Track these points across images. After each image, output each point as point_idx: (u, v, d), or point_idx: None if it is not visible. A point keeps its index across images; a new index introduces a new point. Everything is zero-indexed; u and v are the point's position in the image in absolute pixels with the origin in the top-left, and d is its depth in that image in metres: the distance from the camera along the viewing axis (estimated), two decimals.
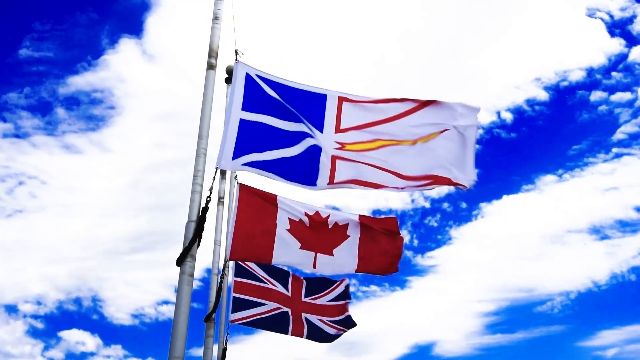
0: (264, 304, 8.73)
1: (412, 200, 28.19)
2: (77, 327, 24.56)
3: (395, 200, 27.65)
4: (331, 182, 5.07)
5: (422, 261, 28.67)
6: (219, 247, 7.29)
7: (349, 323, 8.98)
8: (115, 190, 30.87)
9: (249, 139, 4.98)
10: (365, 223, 6.74)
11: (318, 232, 6.81)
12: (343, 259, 6.70)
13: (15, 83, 29.70)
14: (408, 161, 5.13)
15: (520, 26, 33.19)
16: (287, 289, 8.97)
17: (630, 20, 29.28)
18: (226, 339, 8.40)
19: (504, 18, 33.07)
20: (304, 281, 9.11)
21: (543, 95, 30.34)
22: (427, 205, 29.11)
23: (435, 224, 29.35)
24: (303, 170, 5.09)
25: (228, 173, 8.50)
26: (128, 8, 31.85)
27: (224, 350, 8.28)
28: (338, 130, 5.27)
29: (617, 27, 29.99)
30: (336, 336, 8.96)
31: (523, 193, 31.01)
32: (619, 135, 28.83)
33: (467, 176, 5.03)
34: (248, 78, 5.22)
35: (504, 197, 31.19)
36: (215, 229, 7.44)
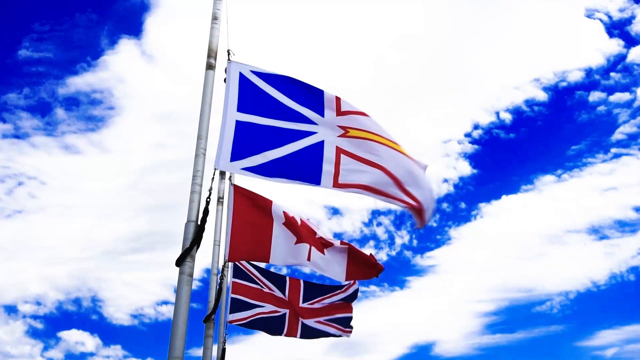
0: (261, 306, 8.76)
1: None
2: (77, 328, 24.64)
3: None
4: (336, 182, 4.99)
5: (421, 261, 28.73)
6: (218, 247, 7.27)
7: (344, 323, 9.00)
8: (115, 191, 30.92)
9: (246, 142, 4.95)
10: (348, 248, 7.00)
11: (309, 233, 6.93)
12: (332, 260, 6.82)
13: (14, 83, 29.74)
14: (401, 171, 5.08)
15: (519, 27, 33.29)
16: (284, 294, 9.00)
17: (629, 21, 29.38)
18: (224, 339, 8.42)
19: (502, 19, 33.14)
20: (302, 284, 9.12)
21: (542, 96, 30.44)
22: None
23: (435, 224, 29.43)
24: (305, 167, 5.02)
25: (227, 173, 8.50)
26: (127, 9, 31.90)
27: (223, 350, 8.29)
28: (339, 112, 5.23)
29: (616, 28, 30.11)
30: (331, 334, 8.97)
31: (522, 193, 31.11)
32: (617, 135, 28.93)
33: (428, 217, 5.03)
34: (242, 78, 5.20)
35: (503, 197, 31.32)
36: (214, 229, 7.43)
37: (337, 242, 7.00)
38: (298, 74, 5.33)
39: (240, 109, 5.08)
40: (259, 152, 4.95)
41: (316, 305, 9.05)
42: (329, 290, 9.13)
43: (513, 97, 32.56)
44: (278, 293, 8.99)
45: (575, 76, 30.19)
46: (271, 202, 6.85)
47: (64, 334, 24.48)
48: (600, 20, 30.32)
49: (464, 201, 31.23)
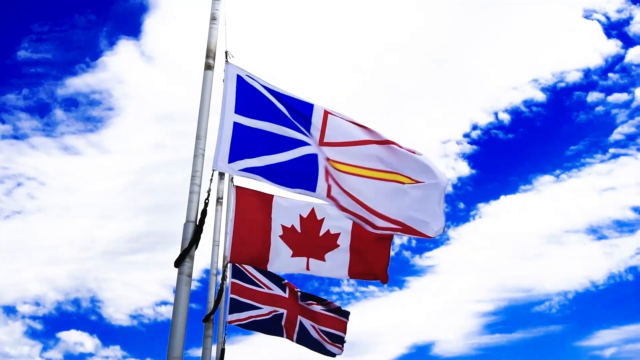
0: (260, 307, 8.77)
1: None
2: (76, 328, 24.58)
3: None
4: (329, 194, 5.03)
5: (420, 261, 28.72)
6: (217, 248, 7.27)
7: (337, 340, 9.07)
8: (114, 191, 30.88)
9: (244, 144, 4.97)
10: (358, 232, 6.77)
11: (309, 239, 6.90)
12: (334, 263, 6.81)
13: (13, 84, 29.68)
14: (382, 200, 5.02)
15: (518, 27, 33.30)
16: (284, 292, 9.02)
17: (627, 21, 29.39)
18: (224, 340, 8.40)
19: (501, 20, 33.17)
20: (299, 292, 9.19)
21: (540, 96, 30.43)
22: None
23: None
24: (301, 175, 5.07)
25: (226, 173, 8.50)
26: (126, 9, 31.87)
27: (223, 350, 8.28)
28: (322, 142, 5.18)
29: (614, 29, 30.12)
30: (324, 351, 9.03)
31: (521, 193, 31.10)
32: (616, 136, 28.94)
33: (436, 227, 4.92)
34: (239, 80, 5.21)
35: (502, 197, 31.28)
36: (213, 230, 7.43)
37: (347, 227, 6.76)
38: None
39: (238, 111, 5.09)
40: (257, 156, 4.98)
41: (313, 308, 9.11)
42: (320, 300, 9.28)
43: (511, 97, 32.52)
44: (278, 291, 8.99)
45: (574, 77, 30.18)
46: (272, 197, 6.85)
47: (63, 335, 24.44)
48: (599, 21, 30.31)
49: (462, 201, 31.20)
